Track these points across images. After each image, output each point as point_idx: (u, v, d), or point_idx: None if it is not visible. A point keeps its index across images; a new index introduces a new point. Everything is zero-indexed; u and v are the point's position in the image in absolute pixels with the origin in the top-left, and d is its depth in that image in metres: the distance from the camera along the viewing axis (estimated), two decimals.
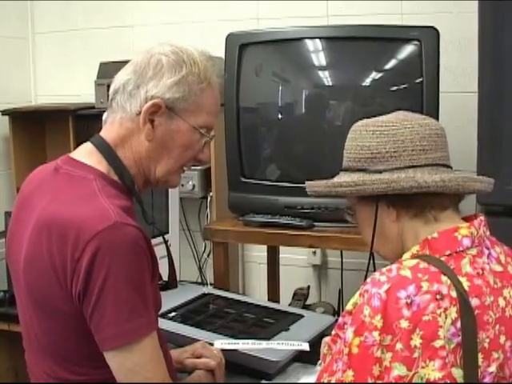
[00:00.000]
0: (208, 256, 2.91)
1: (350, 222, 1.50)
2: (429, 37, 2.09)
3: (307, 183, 1.46)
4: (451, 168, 1.34)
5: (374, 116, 1.40)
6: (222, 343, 1.70)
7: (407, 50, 2.16)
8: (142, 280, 1.33)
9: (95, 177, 1.39)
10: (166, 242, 1.59)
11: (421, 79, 2.11)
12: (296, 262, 2.92)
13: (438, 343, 1.15)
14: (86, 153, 1.45)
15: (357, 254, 2.60)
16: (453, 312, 1.16)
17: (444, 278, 1.19)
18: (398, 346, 1.15)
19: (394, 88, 2.19)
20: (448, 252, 1.24)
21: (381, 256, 1.43)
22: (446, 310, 1.16)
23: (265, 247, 2.72)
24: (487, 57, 2.00)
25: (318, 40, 2.26)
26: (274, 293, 2.70)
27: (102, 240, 1.27)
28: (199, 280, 2.95)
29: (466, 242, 1.25)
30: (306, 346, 1.72)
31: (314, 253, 2.89)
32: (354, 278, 2.69)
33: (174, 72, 1.42)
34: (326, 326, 1.91)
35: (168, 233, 2.30)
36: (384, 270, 1.23)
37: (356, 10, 2.70)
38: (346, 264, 2.72)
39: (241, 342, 1.72)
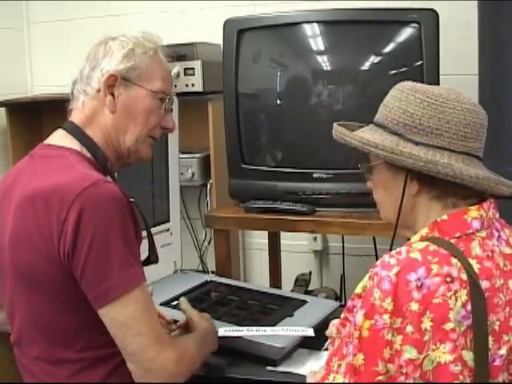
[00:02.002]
0: (209, 244, 2.90)
1: (364, 176, 1.43)
2: (428, 19, 2.06)
3: (338, 128, 1.39)
4: (482, 160, 1.31)
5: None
6: (226, 330, 1.69)
7: (406, 32, 2.13)
8: (128, 233, 1.38)
9: (71, 153, 1.47)
10: (144, 219, 1.58)
11: (421, 62, 2.08)
12: (297, 247, 2.90)
13: (449, 326, 1.15)
14: (58, 137, 1.54)
15: (358, 240, 2.60)
16: (463, 294, 1.16)
17: (454, 261, 1.18)
18: (409, 328, 1.15)
19: (394, 71, 2.15)
20: (458, 234, 1.23)
21: (386, 220, 1.41)
22: (456, 292, 1.16)
23: (265, 234, 2.71)
24: (487, 39, 1.99)
25: (316, 24, 2.22)
26: (275, 279, 2.69)
27: (85, 197, 1.33)
28: (200, 268, 2.94)
29: (476, 225, 1.24)
30: (310, 332, 1.71)
31: (315, 238, 2.88)
32: (355, 264, 2.69)
33: (121, 48, 1.55)
34: (329, 311, 1.92)
35: (169, 221, 2.28)
36: (393, 252, 1.22)
37: None
38: (347, 249, 2.71)
39: (245, 328, 1.71)
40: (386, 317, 1.15)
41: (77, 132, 1.52)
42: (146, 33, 1.63)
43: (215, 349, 1.66)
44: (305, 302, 2.00)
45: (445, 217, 1.25)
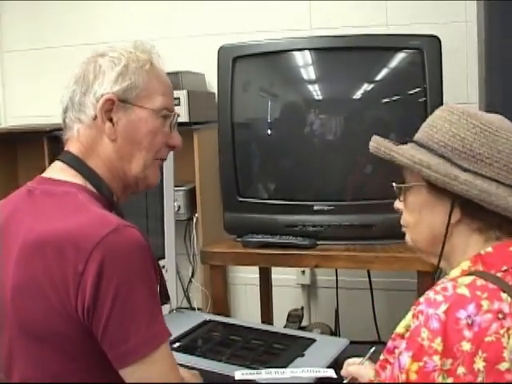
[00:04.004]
0: (190, 280, 2.82)
1: (396, 195, 1.33)
2: (431, 46, 2.02)
3: (381, 141, 1.29)
4: None
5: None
6: (244, 373, 1.60)
7: (408, 59, 2.10)
8: (153, 282, 1.26)
9: (78, 190, 1.32)
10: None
11: (424, 90, 2.04)
12: (285, 281, 2.82)
13: (504, 366, 1.07)
14: (58, 170, 1.39)
15: (349, 272, 2.53)
16: None
17: (504, 296, 1.11)
18: (460, 370, 1.07)
19: (395, 100, 2.11)
20: (504, 268, 1.16)
21: (413, 244, 1.33)
22: (508, 329, 1.09)
23: (254, 268, 2.61)
24: (488, 67, 1.96)
25: (313, 51, 2.16)
26: (266, 315, 2.59)
27: (106, 247, 1.18)
28: (184, 305, 2.83)
29: None
30: (331, 373, 1.63)
31: (303, 272, 2.81)
32: (346, 297, 2.61)
33: (114, 66, 1.37)
34: (341, 349, 1.83)
35: (164, 258, 2.17)
36: (438, 288, 1.14)
37: (341, 21, 2.65)
38: (337, 282, 2.64)
39: (263, 371, 1.62)
40: (437, 358, 1.07)
41: (78, 164, 1.37)
42: (138, 42, 1.45)
43: None
44: (313, 340, 1.90)
45: (489, 249, 1.18)
